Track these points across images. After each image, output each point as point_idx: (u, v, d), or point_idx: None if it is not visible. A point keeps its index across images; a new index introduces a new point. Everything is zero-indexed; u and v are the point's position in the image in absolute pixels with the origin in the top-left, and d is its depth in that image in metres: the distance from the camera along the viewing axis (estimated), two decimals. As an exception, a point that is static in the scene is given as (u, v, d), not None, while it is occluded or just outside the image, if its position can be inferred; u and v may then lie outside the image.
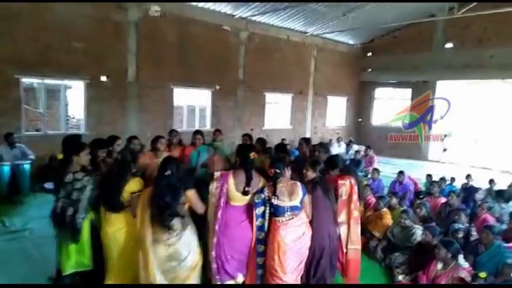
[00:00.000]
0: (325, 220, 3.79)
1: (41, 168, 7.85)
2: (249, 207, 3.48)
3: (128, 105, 9.77)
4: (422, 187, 8.19)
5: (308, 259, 3.66)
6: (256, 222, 3.47)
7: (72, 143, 3.43)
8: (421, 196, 6.59)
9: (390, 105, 16.58)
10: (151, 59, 9.93)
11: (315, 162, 4.02)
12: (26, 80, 8.49)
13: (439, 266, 3.97)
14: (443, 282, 3.77)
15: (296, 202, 3.45)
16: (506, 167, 12.57)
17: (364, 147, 12.43)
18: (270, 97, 13.64)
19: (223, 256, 3.45)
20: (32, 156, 7.48)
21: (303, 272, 3.65)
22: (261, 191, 3.46)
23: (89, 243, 3.33)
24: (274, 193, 3.40)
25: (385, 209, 5.68)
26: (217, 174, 3.49)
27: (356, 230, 4.19)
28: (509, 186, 7.79)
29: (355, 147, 12.88)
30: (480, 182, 8.31)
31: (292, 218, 3.44)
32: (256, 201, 3.43)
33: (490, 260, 4.23)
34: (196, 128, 11.43)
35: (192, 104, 11.75)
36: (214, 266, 3.44)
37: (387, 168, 11.34)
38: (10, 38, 7.70)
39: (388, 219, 5.49)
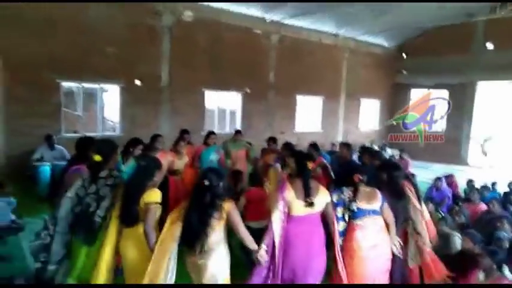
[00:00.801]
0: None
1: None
2: (313, 218, 3.22)
3: (161, 109, 9.99)
4: (461, 193, 7.81)
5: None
6: (339, 227, 3.33)
7: (109, 145, 3.47)
8: (460, 203, 6.28)
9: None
10: (184, 63, 10.11)
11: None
12: (65, 84, 8.89)
13: (481, 276, 3.73)
14: (485, 294, 3.53)
15: (376, 207, 3.41)
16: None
17: (398, 152, 12.03)
18: (301, 100, 13.52)
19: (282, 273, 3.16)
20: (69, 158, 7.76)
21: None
22: (340, 191, 3.40)
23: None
24: (354, 197, 3.35)
25: (428, 218, 5.41)
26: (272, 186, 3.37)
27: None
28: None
29: (389, 151, 12.50)
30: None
31: (370, 221, 3.39)
32: (336, 201, 3.36)
33: (538, 271, 3.93)
34: (228, 131, 11.54)
35: (223, 107, 11.86)
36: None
37: (423, 173, 10.90)
38: (51, 44, 8.08)
39: (431, 230, 5.22)
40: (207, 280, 2.88)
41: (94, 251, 3.05)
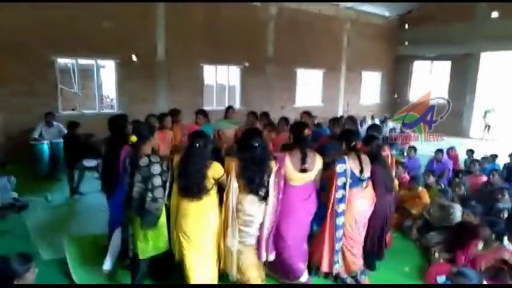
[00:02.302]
0: (385, 191, 3.84)
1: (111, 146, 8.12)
2: (310, 185, 3.44)
3: (158, 84, 9.85)
4: (462, 165, 7.78)
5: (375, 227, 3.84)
6: (337, 195, 3.47)
7: (145, 126, 3.37)
8: (460, 175, 6.26)
9: (429, 79, 15.77)
10: (180, 38, 9.89)
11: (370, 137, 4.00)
12: (61, 61, 8.75)
13: (480, 246, 3.75)
14: (483, 263, 3.56)
15: (368, 174, 3.62)
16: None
17: (399, 125, 11.92)
18: (301, 74, 13.32)
19: (283, 242, 3.39)
20: (68, 135, 7.72)
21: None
22: (343, 161, 3.45)
23: (165, 227, 3.24)
24: (361, 167, 3.51)
25: (422, 188, 5.43)
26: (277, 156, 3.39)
27: None
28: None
29: (390, 124, 12.40)
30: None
31: (367, 187, 3.63)
32: (339, 171, 3.43)
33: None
34: (227, 106, 11.43)
35: (222, 82, 11.69)
36: (263, 241, 3.33)
37: (424, 145, 10.85)
38: (44, 19, 7.86)
39: (426, 198, 5.26)
40: (205, 215, 3.16)
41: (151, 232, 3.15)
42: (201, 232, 3.17)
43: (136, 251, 3.18)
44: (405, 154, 8.65)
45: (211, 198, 3.19)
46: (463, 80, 14.25)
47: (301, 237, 3.51)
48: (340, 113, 13.92)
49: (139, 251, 3.15)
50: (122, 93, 9.36)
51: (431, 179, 5.84)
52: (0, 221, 5.10)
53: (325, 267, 3.61)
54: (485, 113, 13.77)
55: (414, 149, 8.08)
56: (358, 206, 3.56)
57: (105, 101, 12.06)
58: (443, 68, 15.19)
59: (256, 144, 3.14)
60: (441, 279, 3.44)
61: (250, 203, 3.20)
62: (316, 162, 3.40)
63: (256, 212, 3.23)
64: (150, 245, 3.16)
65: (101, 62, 9.66)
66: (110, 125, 4.09)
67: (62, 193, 6.45)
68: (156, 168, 3.04)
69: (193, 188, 3.07)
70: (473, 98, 14.24)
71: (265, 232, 3.27)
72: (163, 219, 3.20)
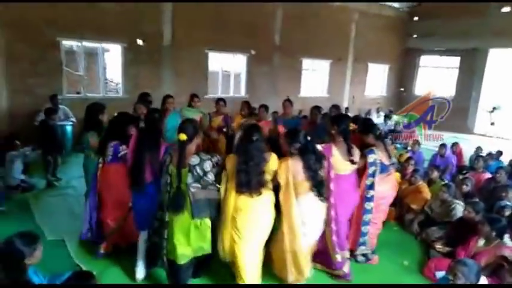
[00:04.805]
0: None
1: (81, 130, 8.14)
2: (353, 175, 3.70)
3: (163, 70, 9.80)
4: (467, 161, 7.75)
5: None
6: (367, 182, 3.78)
7: (191, 125, 3.12)
8: (464, 171, 6.23)
9: (436, 74, 15.62)
10: (187, 23, 9.79)
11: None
12: (66, 43, 8.69)
13: (481, 242, 3.76)
14: (483, 260, 3.56)
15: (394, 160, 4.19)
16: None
17: (405, 118, 11.86)
18: (307, 63, 13.21)
19: (341, 228, 3.57)
20: (73, 119, 7.74)
21: None
22: (372, 151, 3.77)
23: (209, 228, 3.11)
24: (389, 154, 3.92)
25: (421, 182, 5.43)
26: (319, 147, 3.43)
27: None
28: None
29: (395, 117, 12.34)
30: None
31: (390, 174, 4.00)
32: (370, 161, 3.75)
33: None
34: (231, 94, 11.39)
35: (227, 69, 11.62)
36: (334, 238, 3.50)
37: (429, 141, 10.81)
38: (53, 1, 7.79)
39: (426, 193, 5.27)
40: (262, 211, 3.10)
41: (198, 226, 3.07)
42: (256, 228, 3.09)
43: (172, 256, 3.05)
44: (409, 148, 8.62)
45: (268, 193, 3.11)
46: (470, 76, 14.09)
47: (347, 227, 3.75)
48: (345, 105, 13.84)
49: (178, 256, 3.01)
50: (127, 77, 9.32)
51: (435, 174, 5.82)
52: (6, 202, 5.15)
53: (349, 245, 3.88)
54: (494, 109, 13.65)
55: (418, 143, 8.06)
56: (382, 192, 3.87)
57: (110, 85, 12.03)
58: (451, 63, 15.02)
59: (308, 143, 3.17)
60: (440, 274, 3.45)
61: (309, 200, 3.18)
62: (357, 154, 3.62)
63: (315, 210, 3.25)
64: (192, 247, 3.04)
65: (106, 45, 9.59)
66: (146, 119, 3.79)
67: (66, 176, 6.49)
68: (207, 165, 3.01)
69: (254, 183, 2.98)
70: (480, 94, 14.10)
71: (333, 228, 3.46)
72: (207, 220, 3.09)
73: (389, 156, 3.92)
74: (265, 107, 5.70)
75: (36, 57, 7.89)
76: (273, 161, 3.09)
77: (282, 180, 3.11)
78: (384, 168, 3.86)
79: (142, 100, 5.22)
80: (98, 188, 3.71)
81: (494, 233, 3.67)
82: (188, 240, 3.01)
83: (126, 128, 3.71)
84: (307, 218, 3.19)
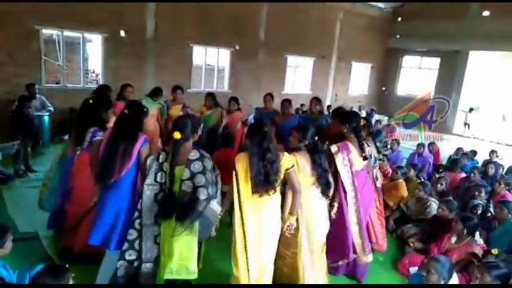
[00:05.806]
0: None
1: (59, 121, 7.97)
2: (366, 171, 3.70)
3: (146, 62, 9.66)
4: (443, 160, 7.93)
5: None
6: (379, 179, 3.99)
7: (189, 123, 2.77)
8: (441, 170, 6.38)
9: (418, 75, 15.91)
10: (171, 15, 9.68)
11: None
12: (45, 32, 8.46)
13: (453, 239, 3.87)
14: (455, 256, 3.67)
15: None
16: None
17: (386, 117, 12.08)
18: (292, 60, 13.25)
19: (364, 228, 3.59)
20: (50, 108, 7.56)
21: None
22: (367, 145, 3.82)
23: (196, 242, 2.72)
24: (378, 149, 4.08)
25: (401, 180, 5.54)
26: (335, 147, 3.44)
27: None
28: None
29: (376, 116, 12.54)
30: (506, 160, 7.97)
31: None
32: (372, 158, 3.80)
33: (503, 236, 4.13)
34: (215, 89, 11.32)
35: (211, 63, 11.54)
36: (361, 241, 3.51)
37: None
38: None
39: (403, 190, 5.38)
40: (273, 211, 2.97)
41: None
42: (270, 228, 2.92)
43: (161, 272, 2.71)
44: (388, 147, 8.77)
45: (278, 193, 2.93)
46: (451, 77, 14.41)
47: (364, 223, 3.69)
48: (328, 102, 13.96)
49: (160, 267, 2.73)
50: (107, 68, 9.14)
51: (412, 173, 5.95)
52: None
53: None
54: (470, 110, 13.99)
55: (397, 142, 8.20)
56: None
57: (90, 76, 11.78)
58: (432, 64, 15.33)
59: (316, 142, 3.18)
60: (413, 270, 3.54)
61: (315, 199, 3.16)
62: (367, 149, 3.67)
63: (318, 206, 3.21)
64: (174, 262, 2.62)
65: (87, 35, 9.38)
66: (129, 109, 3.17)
67: (43, 167, 6.32)
68: (208, 164, 2.67)
69: (270, 182, 2.76)
70: (459, 95, 14.44)
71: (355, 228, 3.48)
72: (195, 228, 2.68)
73: (361, 155, 3.52)
74: (235, 100, 6.05)
75: (14, 46, 7.67)
76: (286, 157, 2.89)
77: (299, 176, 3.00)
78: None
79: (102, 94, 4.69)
80: (71, 174, 3.56)
81: (466, 231, 3.78)
82: (171, 249, 2.64)
83: (101, 113, 3.49)
84: (310, 214, 3.17)
